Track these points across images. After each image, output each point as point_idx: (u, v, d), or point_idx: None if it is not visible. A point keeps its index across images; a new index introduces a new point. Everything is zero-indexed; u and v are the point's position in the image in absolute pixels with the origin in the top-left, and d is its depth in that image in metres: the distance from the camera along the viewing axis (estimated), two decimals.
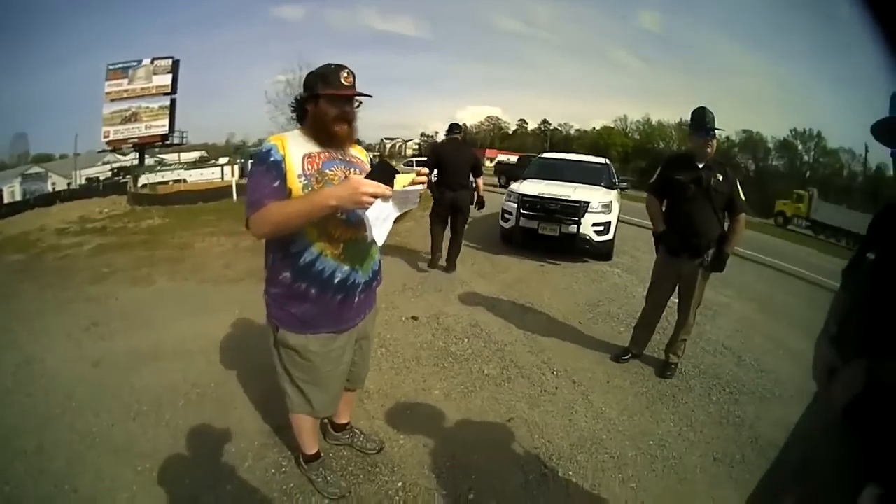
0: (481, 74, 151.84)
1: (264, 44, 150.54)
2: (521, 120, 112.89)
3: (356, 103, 2.48)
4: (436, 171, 7.66)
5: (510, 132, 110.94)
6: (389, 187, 2.12)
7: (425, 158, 9.93)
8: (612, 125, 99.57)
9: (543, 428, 3.87)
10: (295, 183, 2.31)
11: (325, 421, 3.48)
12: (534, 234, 9.38)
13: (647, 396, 4.51)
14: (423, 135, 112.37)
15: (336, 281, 2.48)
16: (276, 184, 2.30)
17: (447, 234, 8.17)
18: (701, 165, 4.72)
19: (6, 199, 43.95)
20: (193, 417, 3.96)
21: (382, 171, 2.16)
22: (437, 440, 3.60)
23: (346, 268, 2.49)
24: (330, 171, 2.41)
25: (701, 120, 4.68)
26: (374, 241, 2.32)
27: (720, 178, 4.66)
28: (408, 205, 2.32)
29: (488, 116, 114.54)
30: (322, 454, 3.20)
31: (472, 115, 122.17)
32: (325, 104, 2.39)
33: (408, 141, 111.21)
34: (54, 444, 3.77)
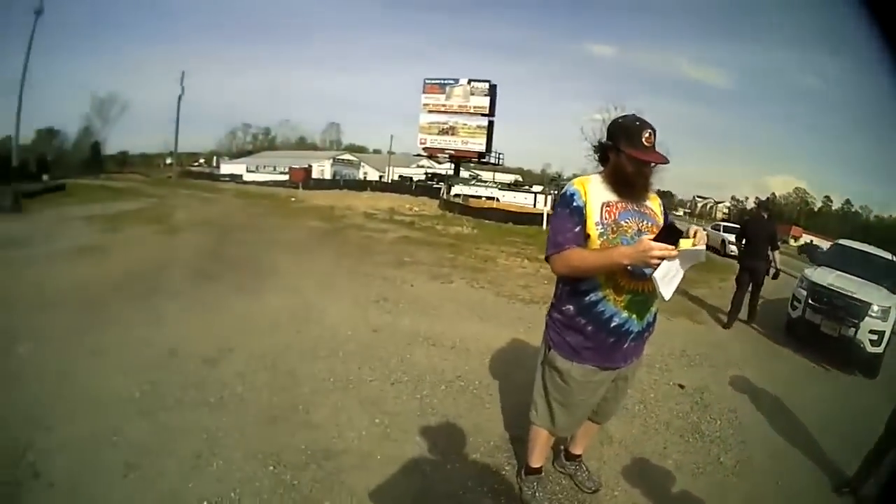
0: (788, 138, 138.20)
1: (577, 78, 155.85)
2: (825, 197, 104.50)
3: (654, 164, 2.74)
4: (743, 242, 9.59)
5: (815, 209, 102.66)
6: (674, 248, 2.40)
7: (733, 225, 15.30)
8: None
9: None
10: (592, 230, 2.66)
11: (562, 447, 3.75)
12: (815, 330, 8.65)
13: None
14: (733, 198, 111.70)
15: (613, 325, 2.76)
16: (577, 229, 2.67)
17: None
18: None
19: (314, 175, 53.44)
20: (447, 402, 4.54)
21: (668, 233, 2.44)
22: None
23: (624, 315, 2.76)
24: (625, 222, 2.70)
25: None
26: (661, 297, 2.56)
27: None
28: (694, 261, 2.54)
29: (795, 188, 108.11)
30: (543, 472, 3.44)
31: (781, 185, 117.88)
32: (625, 160, 2.67)
33: (719, 203, 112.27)
34: (305, 375, 4.76)
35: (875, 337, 8.10)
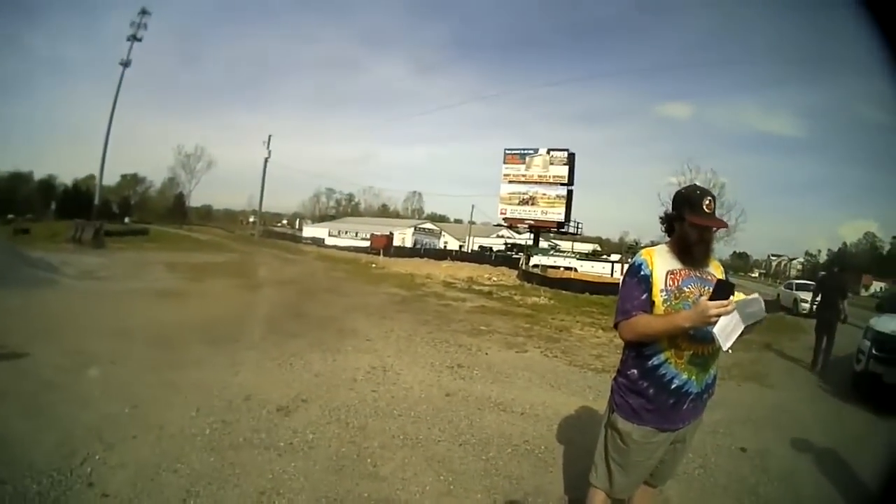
0: (861, 181, 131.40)
1: (651, 142, 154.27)
2: (893, 237, 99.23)
3: (715, 229, 3.01)
4: (819, 296, 11.51)
5: (884, 252, 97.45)
6: (729, 302, 2.58)
7: (805, 282, 21.09)
8: None
9: None
10: (657, 297, 2.87)
11: None
12: (878, 381, 8.34)
13: None
14: (807, 253, 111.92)
15: (673, 386, 2.91)
16: (644, 297, 2.89)
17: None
18: None
19: (395, 243, 54.67)
20: (512, 464, 4.65)
21: (721, 289, 2.63)
22: None
23: (684, 376, 2.91)
24: (687, 288, 2.89)
25: None
26: (720, 349, 2.75)
27: None
28: (754, 316, 2.65)
29: (865, 233, 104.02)
30: None
31: (852, 231, 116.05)
32: (688, 228, 2.89)
33: (792, 259, 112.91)
34: (376, 431, 4.98)
35: None
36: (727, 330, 2.59)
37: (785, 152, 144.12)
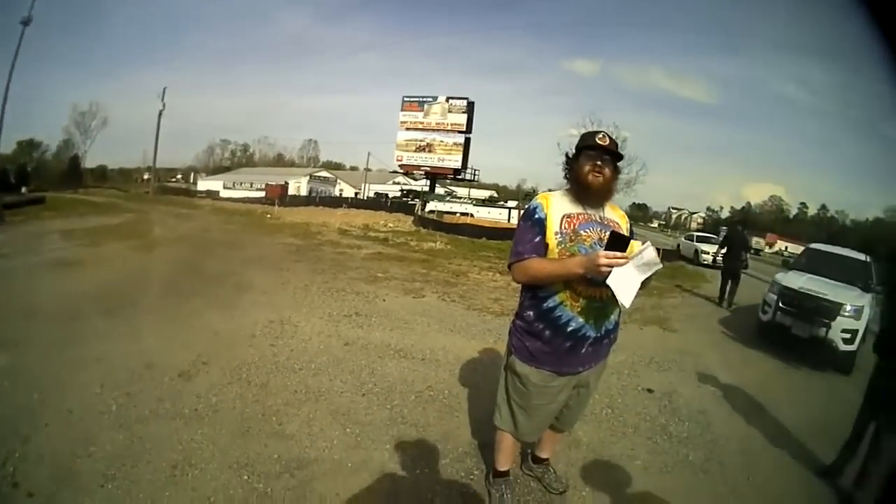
0: (768, 148, 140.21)
1: (556, 95, 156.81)
2: (801, 203, 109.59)
3: (609, 159, 2.92)
4: (725, 249, 13.53)
5: (790, 216, 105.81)
6: (624, 254, 2.54)
7: (707, 235, 26.28)
8: (884, 216, 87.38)
9: None
10: (552, 239, 2.86)
11: (529, 451, 3.91)
12: (786, 332, 9.14)
13: None
14: (708, 209, 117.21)
15: (569, 329, 2.93)
16: (537, 239, 2.88)
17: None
18: None
19: (290, 192, 53.38)
20: (416, 411, 4.68)
21: (615, 241, 2.58)
22: None
23: (581, 320, 2.92)
24: (584, 232, 2.88)
25: None
26: (619, 304, 2.69)
27: None
28: (651, 267, 2.61)
29: (771, 196, 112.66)
30: (510, 475, 3.56)
31: (757, 193, 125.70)
32: (582, 159, 2.91)
33: (693, 213, 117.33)
34: (278, 388, 4.89)
35: (848, 336, 8.53)
36: (622, 283, 2.57)
37: (691, 115, 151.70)
